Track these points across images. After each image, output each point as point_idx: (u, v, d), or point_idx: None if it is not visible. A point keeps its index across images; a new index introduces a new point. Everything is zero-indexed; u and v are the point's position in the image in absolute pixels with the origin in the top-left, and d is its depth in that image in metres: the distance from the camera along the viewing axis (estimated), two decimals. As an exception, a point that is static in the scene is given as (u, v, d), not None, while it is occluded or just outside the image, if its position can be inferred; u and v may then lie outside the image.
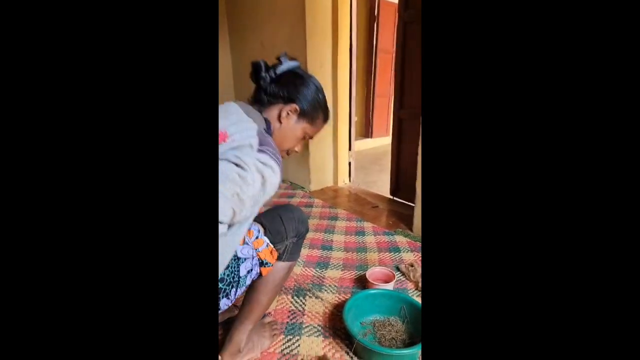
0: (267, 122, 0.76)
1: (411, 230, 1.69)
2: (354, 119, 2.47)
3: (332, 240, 1.58)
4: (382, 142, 4.27)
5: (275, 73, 0.78)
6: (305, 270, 1.32)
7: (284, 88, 0.77)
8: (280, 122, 0.78)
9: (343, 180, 2.54)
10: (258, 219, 0.85)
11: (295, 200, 2.17)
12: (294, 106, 0.78)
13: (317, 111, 0.81)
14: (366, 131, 4.33)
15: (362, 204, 2.13)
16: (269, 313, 1.04)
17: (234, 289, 0.77)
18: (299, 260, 1.30)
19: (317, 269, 1.34)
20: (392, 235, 1.64)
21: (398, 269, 1.32)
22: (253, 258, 0.79)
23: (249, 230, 0.80)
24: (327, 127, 2.33)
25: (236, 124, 0.68)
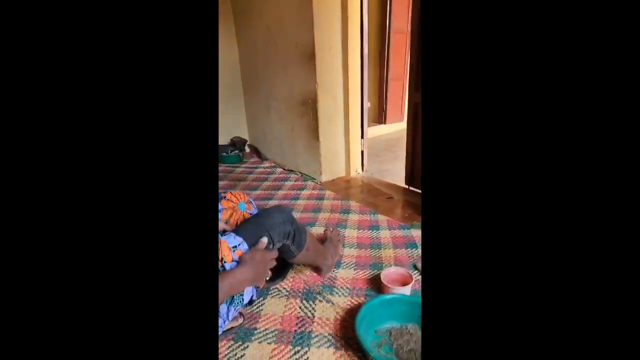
0: None
1: (429, 223, 1.58)
2: (367, 104, 2.33)
3: (344, 236, 1.49)
4: (396, 127, 4.10)
5: None
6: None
7: None
8: None
9: (356, 170, 2.43)
10: (242, 234, 0.89)
11: (305, 193, 2.08)
12: None
13: None
14: (379, 117, 4.15)
15: (375, 195, 2.02)
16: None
17: (224, 305, 0.80)
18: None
19: (328, 269, 1.25)
20: (408, 229, 1.53)
21: (415, 267, 1.22)
22: None
23: (237, 250, 0.86)
24: (339, 115, 2.23)
25: None
